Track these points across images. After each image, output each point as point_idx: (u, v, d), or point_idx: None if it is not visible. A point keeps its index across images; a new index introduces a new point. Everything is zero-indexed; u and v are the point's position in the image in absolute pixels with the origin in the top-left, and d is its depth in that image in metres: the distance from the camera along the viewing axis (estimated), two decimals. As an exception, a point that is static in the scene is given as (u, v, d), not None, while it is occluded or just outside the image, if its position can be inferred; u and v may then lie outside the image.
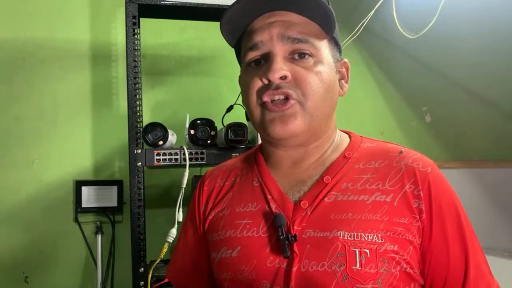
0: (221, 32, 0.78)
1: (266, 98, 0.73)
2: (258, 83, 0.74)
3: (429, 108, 1.88)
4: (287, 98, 0.72)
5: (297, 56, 0.73)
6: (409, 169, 0.74)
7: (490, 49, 1.59)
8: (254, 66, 0.76)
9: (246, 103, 0.77)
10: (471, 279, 0.70)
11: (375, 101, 2.16)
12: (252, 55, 0.75)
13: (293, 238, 0.70)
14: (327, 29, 0.75)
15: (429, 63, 1.87)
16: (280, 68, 0.71)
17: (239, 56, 0.81)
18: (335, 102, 0.78)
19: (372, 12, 1.86)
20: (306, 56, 0.73)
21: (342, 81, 0.81)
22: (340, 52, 0.81)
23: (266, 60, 0.74)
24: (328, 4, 0.77)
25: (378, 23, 1.98)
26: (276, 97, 0.72)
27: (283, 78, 0.72)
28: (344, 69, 0.81)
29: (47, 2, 1.83)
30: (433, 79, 1.84)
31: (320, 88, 0.73)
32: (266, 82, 0.73)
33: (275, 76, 0.71)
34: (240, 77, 0.81)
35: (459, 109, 1.73)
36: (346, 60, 0.82)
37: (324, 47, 0.75)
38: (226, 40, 0.81)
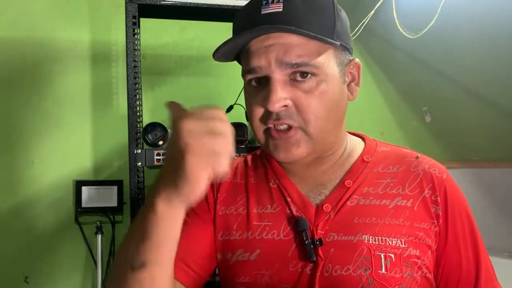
0: (216, 60, 0.75)
1: (270, 125, 0.71)
2: (260, 110, 0.72)
3: (429, 108, 1.88)
4: (289, 127, 0.70)
5: (299, 76, 0.69)
6: (426, 174, 0.75)
7: (490, 49, 1.59)
8: (255, 85, 0.73)
9: (250, 123, 0.76)
10: (482, 283, 0.72)
11: (375, 101, 2.15)
12: (251, 77, 0.73)
13: (318, 242, 0.69)
14: (330, 44, 0.70)
15: (429, 63, 1.87)
16: (280, 99, 0.68)
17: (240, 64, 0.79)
18: (343, 113, 0.76)
19: (372, 12, 1.86)
20: (308, 75, 0.69)
21: (352, 83, 0.77)
22: (350, 52, 0.76)
23: (266, 80, 0.71)
24: (334, 13, 0.73)
25: (378, 23, 1.98)
26: (280, 127, 0.71)
27: (284, 106, 0.69)
28: (354, 70, 0.77)
29: (47, 2, 1.82)
30: (433, 79, 1.84)
31: (323, 111, 0.70)
32: (266, 109, 0.70)
33: (274, 107, 0.68)
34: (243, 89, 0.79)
35: (459, 109, 1.73)
36: (357, 60, 0.77)
37: (328, 60, 0.71)
38: (223, 61, 0.78)
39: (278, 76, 0.69)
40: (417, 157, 0.78)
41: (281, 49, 0.68)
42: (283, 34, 0.69)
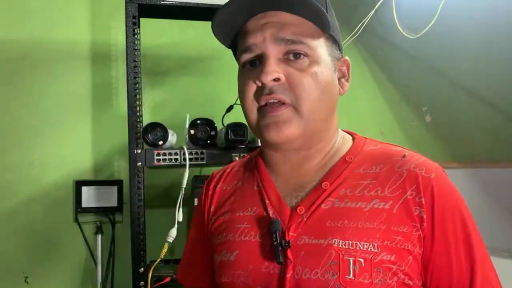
0: (214, 35, 0.76)
1: (262, 102, 0.72)
2: (252, 87, 0.73)
3: (429, 108, 1.88)
4: (282, 103, 0.71)
5: (292, 56, 0.71)
6: (411, 174, 0.71)
7: (490, 48, 1.59)
8: (250, 67, 0.74)
9: (242, 105, 0.76)
10: None
11: (375, 101, 2.16)
12: (246, 57, 0.74)
13: (286, 244, 0.69)
14: (322, 27, 0.72)
15: (429, 63, 1.87)
16: (273, 70, 0.69)
17: (236, 55, 0.80)
18: (333, 102, 0.76)
19: (372, 12, 1.86)
20: (301, 56, 0.71)
21: (343, 79, 0.78)
22: (340, 49, 0.78)
23: (260, 61, 0.72)
24: (326, 2, 0.76)
25: (378, 23, 1.98)
26: (271, 101, 0.71)
27: (276, 80, 0.70)
28: (344, 67, 0.79)
29: (47, 2, 1.83)
30: (433, 79, 1.85)
31: (315, 90, 0.71)
32: (259, 84, 0.71)
33: (267, 78, 0.69)
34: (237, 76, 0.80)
35: (459, 109, 1.73)
36: (346, 57, 0.79)
37: (320, 47, 0.73)
38: (221, 42, 0.79)
39: (273, 52, 0.71)
40: (404, 156, 0.74)
41: (276, 26, 0.71)
42: (279, 12, 0.71)
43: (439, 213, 0.68)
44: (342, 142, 0.80)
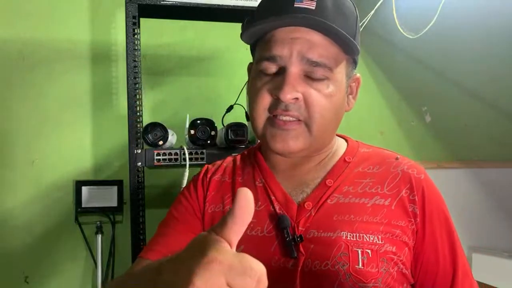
0: (241, 38, 0.77)
1: (276, 113, 0.73)
2: (267, 97, 0.74)
3: (429, 108, 1.89)
4: (295, 119, 0.73)
5: (313, 75, 0.72)
6: (405, 175, 0.78)
7: (490, 49, 1.59)
8: (267, 73, 0.75)
9: (251, 109, 0.77)
10: (460, 278, 0.75)
11: (375, 101, 2.16)
12: (267, 65, 0.74)
13: (299, 239, 0.72)
14: (349, 53, 0.75)
15: (429, 63, 1.87)
16: (293, 90, 0.70)
17: (253, 51, 0.81)
18: (340, 120, 0.80)
19: (372, 12, 1.86)
20: (322, 77, 0.73)
21: (350, 96, 0.81)
22: (355, 67, 0.81)
23: (280, 72, 0.73)
24: (356, 25, 0.76)
25: (378, 23, 1.98)
26: (286, 118, 0.73)
27: (294, 99, 0.72)
28: (354, 84, 0.81)
29: (47, 2, 1.82)
30: (433, 79, 1.85)
31: (328, 112, 0.74)
32: (276, 98, 0.72)
33: (286, 97, 0.70)
34: (250, 69, 0.80)
35: (459, 109, 1.73)
36: (358, 75, 0.81)
37: (341, 69, 0.75)
38: (245, 42, 0.79)
39: (296, 69, 0.72)
40: (396, 158, 0.81)
41: (306, 44, 0.71)
42: (310, 30, 0.71)
43: (429, 211, 0.75)
44: (338, 145, 0.85)
